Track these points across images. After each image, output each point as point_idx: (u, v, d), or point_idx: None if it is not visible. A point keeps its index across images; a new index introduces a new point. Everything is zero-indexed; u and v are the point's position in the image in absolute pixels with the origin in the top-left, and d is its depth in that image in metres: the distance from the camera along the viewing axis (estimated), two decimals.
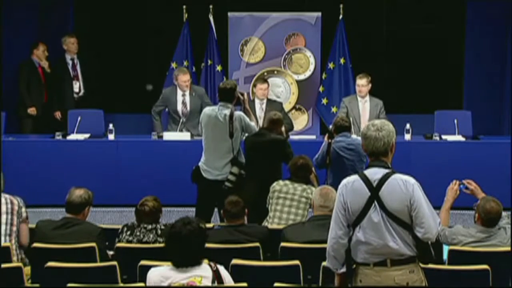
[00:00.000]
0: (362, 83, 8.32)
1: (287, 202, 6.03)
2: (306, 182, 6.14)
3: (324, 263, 4.55)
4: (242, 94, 6.69)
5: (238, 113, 6.53)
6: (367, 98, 8.37)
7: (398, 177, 3.76)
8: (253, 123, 6.61)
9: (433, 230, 3.76)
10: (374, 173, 3.77)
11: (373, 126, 3.80)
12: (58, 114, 9.03)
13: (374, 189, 3.73)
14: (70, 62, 9.11)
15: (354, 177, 3.81)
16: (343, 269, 3.85)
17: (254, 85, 8.79)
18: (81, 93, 9.14)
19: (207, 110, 6.65)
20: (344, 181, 3.83)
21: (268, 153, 6.60)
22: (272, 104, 8.48)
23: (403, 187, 3.74)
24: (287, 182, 6.11)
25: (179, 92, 8.34)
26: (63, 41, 9.07)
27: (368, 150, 3.81)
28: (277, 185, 6.12)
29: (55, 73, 9.08)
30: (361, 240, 3.77)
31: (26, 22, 9.54)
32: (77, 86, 9.10)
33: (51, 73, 9.08)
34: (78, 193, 5.12)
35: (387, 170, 3.77)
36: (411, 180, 3.77)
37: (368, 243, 3.76)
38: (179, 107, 8.29)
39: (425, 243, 3.76)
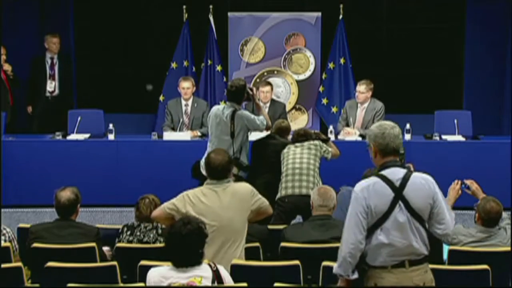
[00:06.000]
0: (361, 89, 8.17)
1: (298, 150, 6.49)
2: None
3: (324, 263, 4.55)
4: (252, 89, 6.69)
5: (240, 112, 6.51)
6: (366, 104, 8.24)
7: (417, 175, 3.77)
8: (260, 117, 6.58)
9: (451, 225, 3.80)
10: (394, 173, 3.73)
11: (387, 125, 3.80)
12: (29, 109, 9.19)
13: (398, 189, 3.70)
14: (49, 61, 9.11)
15: (373, 179, 3.73)
16: (355, 275, 3.75)
17: (257, 88, 8.74)
18: (55, 93, 9.13)
19: (214, 109, 6.71)
20: (362, 184, 3.73)
21: (275, 155, 6.60)
22: (275, 105, 8.43)
23: (425, 185, 3.74)
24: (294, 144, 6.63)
25: (183, 102, 8.34)
26: (45, 39, 9.07)
27: (389, 148, 3.76)
28: (286, 149, 6.56)
29: (33, 70, 9.13)
30: (384, 242, 3.70)
31: (26, 21, 9.56)
32: (52, 85, 9.10)
33: (32, 69, 9.13)
34: (66, 196, 5.05)
35: (405, 170, 3.76)
36: (429, 177, 3.79)
37: (392, 244, 3.70)
38: (184, 116, 8.28)
39: (437, 242, 3.76)
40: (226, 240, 4.64)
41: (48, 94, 9.11)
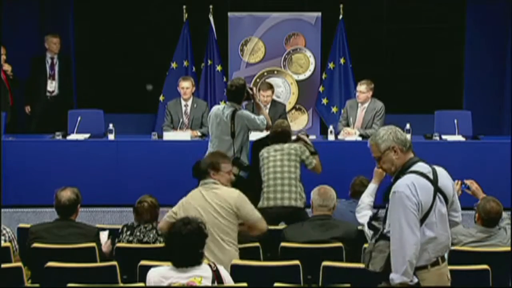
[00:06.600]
0: (361, 89, 8.15)
1: (278, 156, 6.21)
2: None
3: (324, 263, 4.55)
4: (252, 89, 6.67)
5: (240, 112, 6.51)
6: (367, 104, 8.22)
7: (438, 167, 3.81)
8: (261, 117, 6.56)
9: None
10: (423, 167, 3.75)
11: (391, 125, 3.87)
12: (27, 108, 9.16)
13: (434, 182, 3.70)
14: (49, 61, 9.11)
15: (411, 176, 3.70)
16: (416, 278, 3.66)
17: (259, 89, 8.69)
18: (55, 93, 9.14)
19: (214, 109, 6.71)
20: (405, 183, 3.67)
21: None
22: (276, 106, 8.40)
23: (448, 175, 3.79)
24: (272, 145, 6.34)
25: (183, 102, 8.33)
26: (46, 39, 9.07)
27: (409, 142, 3.80)
28: (265, 152, 6.30)
29: (32, 70, 9.12)
30: (431, 237, 3.67)
31: (26, 21, 9.56)
32: (52, 85, 9.11)
33: (32, 69, 9.13)
34: (66, 196, 5.08)
35: (426, 163, 3.78)
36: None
37: (438, 238, 3.69)
38: (183, 116, 8.28)
39: None
40: (211, 240, 4.60)
41: (48, 94, 9.12)
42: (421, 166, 3.74)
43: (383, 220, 3.81)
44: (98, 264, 4.82)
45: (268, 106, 8.32)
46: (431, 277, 3.69)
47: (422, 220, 3.65)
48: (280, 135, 6.43)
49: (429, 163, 3.80)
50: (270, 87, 8.46)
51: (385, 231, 3.75)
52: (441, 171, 3.78)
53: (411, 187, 3.64)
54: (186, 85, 8.27)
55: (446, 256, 3.82)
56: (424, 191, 3.66)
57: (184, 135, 8.01)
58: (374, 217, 3.94)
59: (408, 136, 7.59)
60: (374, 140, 3.82)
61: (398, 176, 3.75)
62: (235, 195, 4.89)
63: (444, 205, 3.72)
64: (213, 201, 4.84)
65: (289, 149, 6.26)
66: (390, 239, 3.67)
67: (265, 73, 9.48)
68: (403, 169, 3.75)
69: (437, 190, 3.69)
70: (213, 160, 5.05)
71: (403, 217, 3.61)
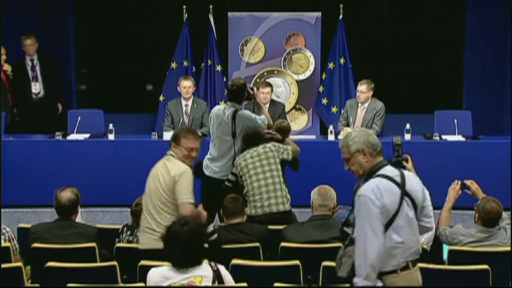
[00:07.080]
0: (362, 89, 8.16)
1: (257, 163, 6.08)
2: None
3: (324, 263, 4.55)
4: (252, 89, 6.66)
5: (242, 113, 6.49)
6: (367, 104, 8.22)
7: (406, 172, 3.81)
8: (262, 117, 6.54)
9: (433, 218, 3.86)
10: (390, 171, 3.74)
11: (363, 128, 3.86)
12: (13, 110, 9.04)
13: (401, 185, 3.69)
14: (29, 63, 9.00)
15: (377, 180, 3.68)
16: (380, 283, 3.64)
17: (258, 88, 8.69)
18: (40, 95, 9.04)
19: (215, 109, 6.70)
20: (370, 186, 3.65)
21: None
22: (275, 106, 8.40)
23: (417, 180, 3.79)
24: (246, 152, 6.20)
25: (183, 102, 8.33)
26: (21, 42, 8.95)
27: (379, 146, 3.78)
28: (241, 161, 6.13)
29: (14, 74, 8.96)
30: (398, 241, 3.65)
31: (26, 21, 9.55)
32: (37, 87, 9.03)
33: (13, 73, 8.98)
34: (66, 196, 5.10)
35: (393, 167, 3.77)
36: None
37: (405, 243, 3.67)
38: (184, 116, 8.27)
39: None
40: (154, 207, 4.85)
41: (33, 96, 9.03)
42: (388, 170, 3.74)
43: (353, 225, 3.76)
44: (98, 264, 4.83)
45: (267, 105, 8.32)
46: (400, 281, 3.67)
47: (389, 224, 3.63)
48: (253, 138, 6.27)
49: (398, 168, 3.79)
50: (269, 84, 8.48)
51: (353, 235, 3.72)
52: (409, 176, 3.77)
53: (376, 190, 3.62)
54: (187, 85, 8.28)
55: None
56: (389, 194, 3.64)
57: None
58: (345, 223, 3.91)
59: (408, 136, 7.78)
60: (345, 141, 3.82)
61: (366, 179, 3.74)
62: (180, 170, 4.86)
63: (411, 209, 3.70)
64: (160, 171, 4.94)
65: (265, 153, 6.13)
66: (355, 243, 3.66)
67: (265, 73, 9.48)
68: (371, 173, 3.74)
69: (404, 193, 3.67)
70: (176, 133, 5.10)
71: (366, 221, 3.60)
